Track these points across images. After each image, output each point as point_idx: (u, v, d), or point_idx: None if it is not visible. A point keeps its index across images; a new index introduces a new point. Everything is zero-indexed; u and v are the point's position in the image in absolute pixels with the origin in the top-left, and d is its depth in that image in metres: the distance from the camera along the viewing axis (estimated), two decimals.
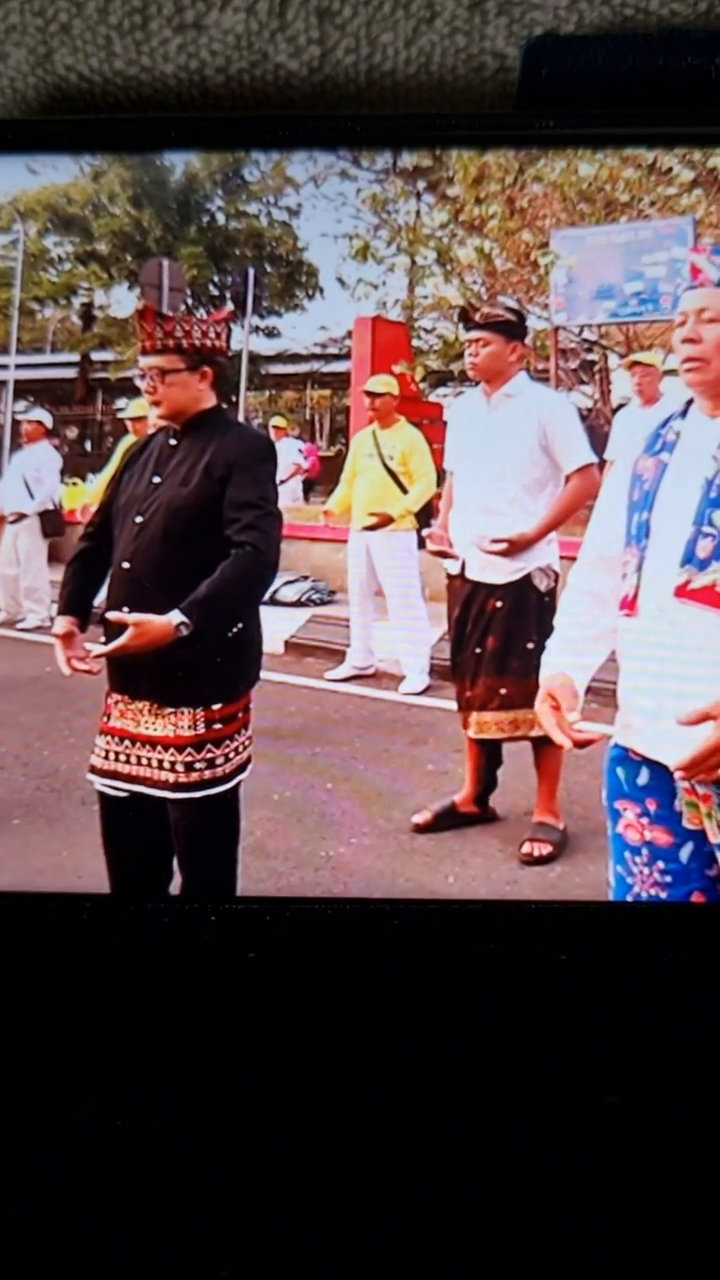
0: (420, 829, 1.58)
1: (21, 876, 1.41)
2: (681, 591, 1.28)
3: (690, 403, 1.33)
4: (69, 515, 1.79)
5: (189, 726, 1.48)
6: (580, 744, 1.35)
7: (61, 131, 1.29)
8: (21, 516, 1.79)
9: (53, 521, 1.80)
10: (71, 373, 1.85)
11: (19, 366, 1.66)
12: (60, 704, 1.54)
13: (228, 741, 1.50)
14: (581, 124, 1.22)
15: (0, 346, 1.61)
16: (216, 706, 1.49)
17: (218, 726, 1.49)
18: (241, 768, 1.51)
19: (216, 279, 1.63)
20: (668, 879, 1.32)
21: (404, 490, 1.76)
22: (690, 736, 1.27)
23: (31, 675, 1.59)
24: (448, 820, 1.60)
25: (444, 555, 1.68)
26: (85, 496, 1.73)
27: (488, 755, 1.67)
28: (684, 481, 1.30)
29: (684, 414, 1.33)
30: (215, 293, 1.64)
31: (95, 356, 1.83)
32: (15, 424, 1.72)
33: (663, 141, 1.29)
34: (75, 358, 1.83)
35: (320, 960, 1.23)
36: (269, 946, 1.23)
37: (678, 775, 1.30)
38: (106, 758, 1.51)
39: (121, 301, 1.61)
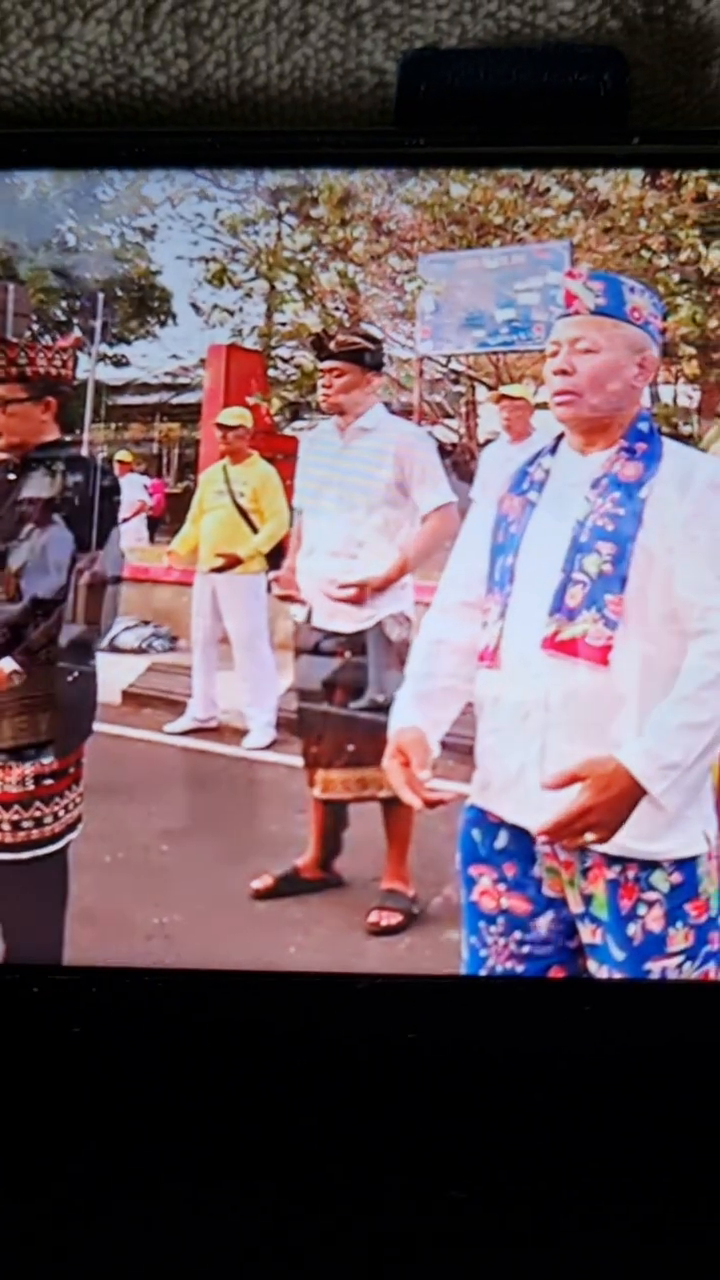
0: (260, 895, 1.49)
1: None
2: (549, 643, 1.24)
3: (561, 438, 1.29)
4: None
5: (16, 783, 1.42)
6: (432, 804, 1.29)
7: None
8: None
9: None
10: None
11: None
12: None
13: (57, 799, 1.44)
14: (459, 142, 1.18)
15: None
16: (47, 761, 1.43)
17: (48, 783, 1.43)
18: (71, 827, 1.44)
19: (64, 303, 1.55)
20: (525, 950, 1.27)
21: (254, 529, 1.69)
22: (555, 797, 1.21)
23: None
24: (290, 886, 1.51)
25: (290, 600, 1.61)
26: None
27: (334, 817, 1.59)
28: (553, 523, 1.26)
29: (554, 450, 1.28)
30: (62, 318, 1.56)
31: None
32: None
33: (542, 162, 1.25)
34: None
35: (151, 1036, 1.17)
36: (96, 1020, 1.17)
37: (540, 840, 1.24)
38: None
39: None
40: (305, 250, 1.44)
